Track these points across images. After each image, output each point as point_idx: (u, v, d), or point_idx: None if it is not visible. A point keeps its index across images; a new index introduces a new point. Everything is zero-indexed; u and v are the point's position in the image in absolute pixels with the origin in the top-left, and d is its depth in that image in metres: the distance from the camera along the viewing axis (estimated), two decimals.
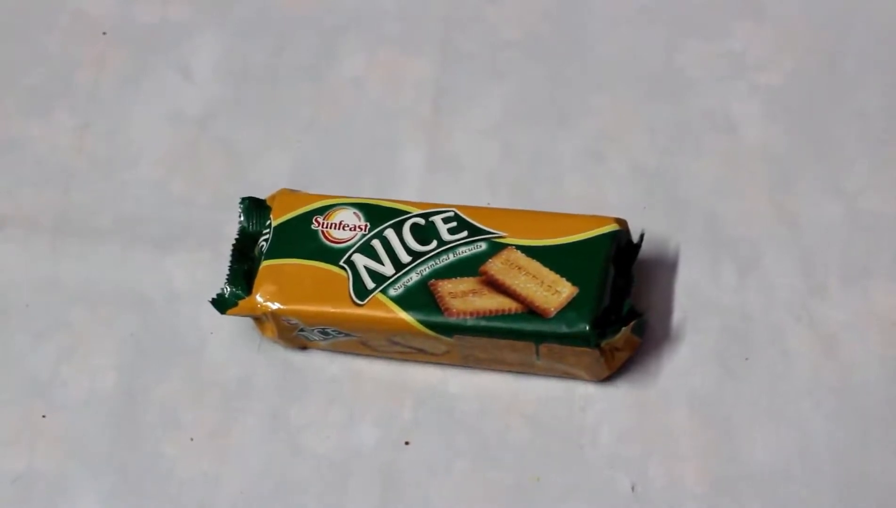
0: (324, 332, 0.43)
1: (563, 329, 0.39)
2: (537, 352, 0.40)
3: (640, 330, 0.42)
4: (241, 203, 0.45)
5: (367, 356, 0.44)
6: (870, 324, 0.44)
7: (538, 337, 0.40)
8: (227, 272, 0.45)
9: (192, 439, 0.44)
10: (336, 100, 0.52)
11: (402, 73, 0.52)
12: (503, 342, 0.40)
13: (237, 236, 0.45)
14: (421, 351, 0.43)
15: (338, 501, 0.42)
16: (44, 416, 0.45)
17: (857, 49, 0.50)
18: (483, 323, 0.40)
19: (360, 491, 0.43)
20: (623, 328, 0.40)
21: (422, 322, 0.40)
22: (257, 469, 0.43)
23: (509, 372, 0.43)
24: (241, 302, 0.43)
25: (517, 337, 0.40)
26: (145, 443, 0.44)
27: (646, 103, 0.50)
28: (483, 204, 0.45)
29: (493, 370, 0.44)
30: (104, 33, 0.54)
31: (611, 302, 0.40)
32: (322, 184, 0.48)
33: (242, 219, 0.45)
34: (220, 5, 0.55)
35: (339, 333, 0.42)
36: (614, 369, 0.41)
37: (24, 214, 0.51)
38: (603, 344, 0.39)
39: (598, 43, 0.52)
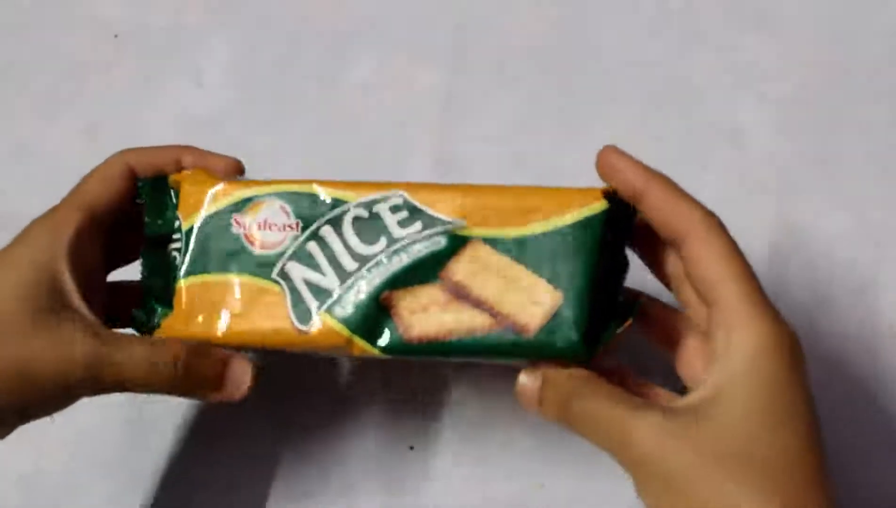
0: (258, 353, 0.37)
1: (549, 347, 0.32)
2: (518, 363, 0.34)
3: (632, 312, 0.34)
4: (140, 188, 0.37)
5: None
6: (876, 336, 0.44)
7: (519, 356, 0.33)
8: (141, 286, 0.37)
9: (198, 440, 0.44)
10: (345, 106, 0.52)
11: (411, 80, 0.52)
12: (477, 357, 0.34)
13: (145, 240, 0.37)
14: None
15: (341, 504, 0.42)
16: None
17: (864, 61, 0.50)
18: (453, 343, 0.33)
19: (364, 495, 0.43)
20: (617, 330, 0.33)
21: (379, 348, 0.33)
22: (263, 472, 0.43)
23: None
24: (164, 324, 0.35)
25: (495, 358, 0.34)
26: (152, 444, 0.44)
27: (654, 113, 0.50)
28: None
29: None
30: (116, 36, 0.55)
31: (601, 296, 0.33)
32: None
33: (147, 216, 0.37)
34: (231, 10, 0.55)
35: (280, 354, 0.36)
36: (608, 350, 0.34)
37: (35, 216, 0.51)
38: (596, 353, 0.33)
39: (607, 52, 0.52)
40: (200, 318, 0.35)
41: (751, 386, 0.29)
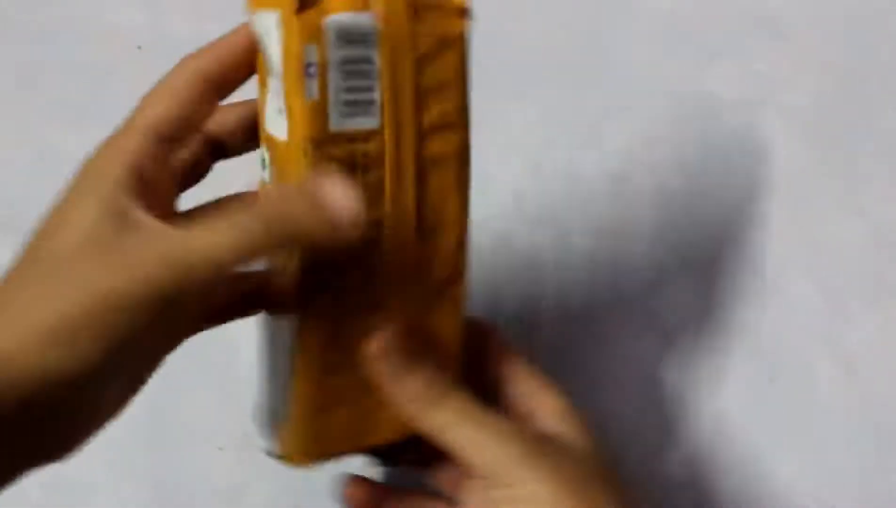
0: None
1: None
2: None
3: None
4: None
5: None
6: (893, 343, 0.44)
7: None
8: None
9: (220, 448, 0.44)
10: None
11: None
12: None
13: None
14: None
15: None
16: None
17: (879, 70, 0.50)
18: None
19: None
20: None
21: None
22: (283, 480, 0.44)
23: None
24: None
25: None
26: (173, 451, 0.45)
27: (670, 123, 0.50)
28: (507, 223, 0.45)
29: None
30: (139, 47, 0.55)
31: None
32: None
33: None
34: None
35: None
36: None
37: None
38: None
39: (623, 62, 0.52)
40: None
41: (568, 430, 0.34)
